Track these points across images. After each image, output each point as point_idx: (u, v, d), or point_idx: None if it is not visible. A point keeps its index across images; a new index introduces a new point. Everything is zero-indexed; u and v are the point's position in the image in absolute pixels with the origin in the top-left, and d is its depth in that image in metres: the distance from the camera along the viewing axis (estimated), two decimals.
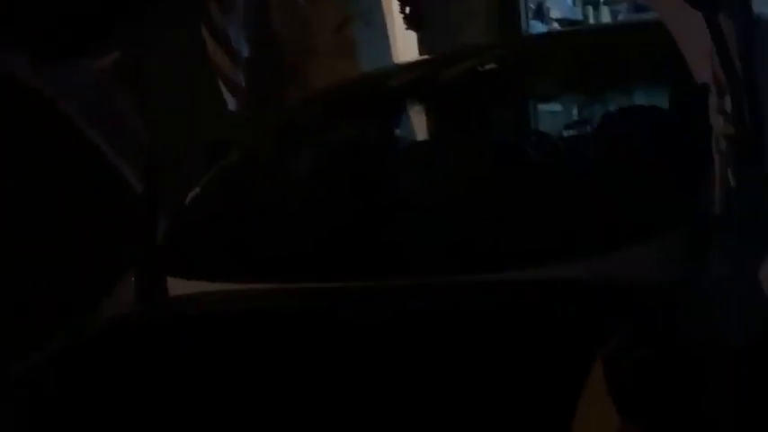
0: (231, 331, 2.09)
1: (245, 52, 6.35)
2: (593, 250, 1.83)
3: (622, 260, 1.77)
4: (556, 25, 8.46)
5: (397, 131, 3.18)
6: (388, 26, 7.00)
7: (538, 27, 7.82)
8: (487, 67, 3.09)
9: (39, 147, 3.21)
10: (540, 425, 1.60)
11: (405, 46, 6.98)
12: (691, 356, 1.47)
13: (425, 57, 4.83)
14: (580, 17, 8.97)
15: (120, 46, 2.36)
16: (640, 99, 3.27)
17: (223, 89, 5.91)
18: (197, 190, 2.59)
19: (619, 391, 1.44)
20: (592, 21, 9.10)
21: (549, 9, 8.09)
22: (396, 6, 6.70)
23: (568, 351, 1.59)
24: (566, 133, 3.27)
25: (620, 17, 9.40)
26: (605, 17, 9.32)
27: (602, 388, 1.45)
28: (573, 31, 6.86)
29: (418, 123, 3.38)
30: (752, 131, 1.66)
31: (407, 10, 7.05)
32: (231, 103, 5.89)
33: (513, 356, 1.68)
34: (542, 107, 5.04)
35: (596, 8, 9.30)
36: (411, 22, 7.02)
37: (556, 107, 6.67)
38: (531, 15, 7.67)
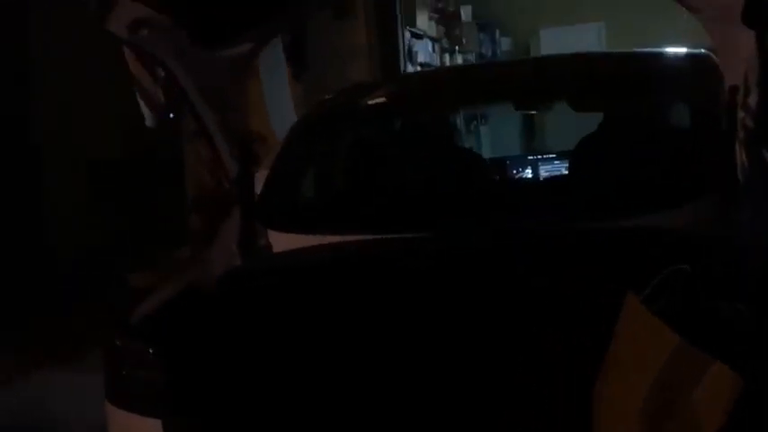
0: (331, 280, 2.36)
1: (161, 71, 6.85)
2: (656, 208, 2.40)
3: (675, 218, 2.35)
4: (418, 68, 9.42)
5: None
6: None
7: (409, 68, 8.74)
8: None
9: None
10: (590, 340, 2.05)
11: None
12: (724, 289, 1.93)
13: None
14: (438, 62, 9.98)
15: (250, 39, 2.64)
16: None
17: (141, 104, 6.39)
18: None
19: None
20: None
21: (417, 53, 9.03)
22: None
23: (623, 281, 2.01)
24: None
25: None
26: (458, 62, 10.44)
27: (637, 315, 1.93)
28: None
29: None
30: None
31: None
32: (149, 119, 6.38)
33: (586, 283, 2.12)
34: None
35: (452, 55, 10.37)
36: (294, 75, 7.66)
37: None
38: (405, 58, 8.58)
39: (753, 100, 2.16)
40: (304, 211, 3.06)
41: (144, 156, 7.41)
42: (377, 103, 3.66)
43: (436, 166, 3.19)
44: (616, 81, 3.26)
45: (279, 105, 6.99)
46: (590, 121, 4.78)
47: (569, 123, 6.08)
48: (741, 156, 2.22)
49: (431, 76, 5.11)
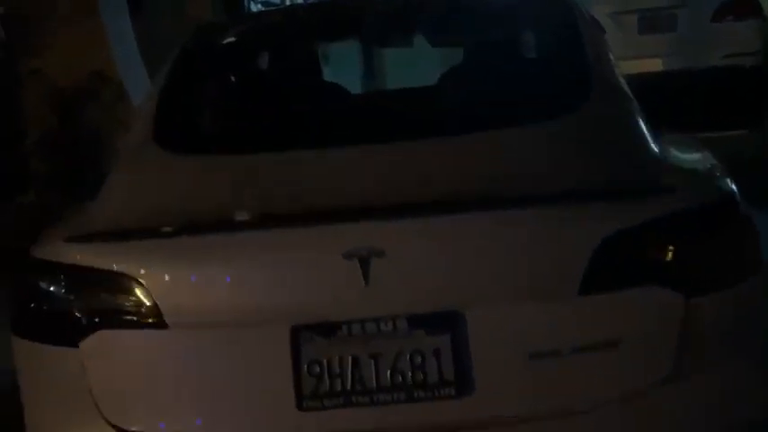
0: None
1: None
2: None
3: None
4: (260, 6, 9.36)
5: None
6: None
7: (252, 6, 8.70)
8: None
9: None
10: None
11: None
12: None
13: None
14: (278, 0, 9.94)
15: None
16: None
17: None
18: None
19: None
20: (288, 2, 10.13)
21: None
22: None
23: None
24: None
25: None
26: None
27: None
28: None
29: None
30: None
31: None
32: None
33: None
34: None
35: None
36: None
37: None
38: None
39: None
40: (204, 136, 3.05)
41: None
42: (248, 38, 3.68)
43: (309, 101, 3.27)
44: (474, 14, 3.41)
45: (121, 40, 6.81)
46: (429, 57, 5.13)
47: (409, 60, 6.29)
48: None
49: (295, 12, 5.12)
